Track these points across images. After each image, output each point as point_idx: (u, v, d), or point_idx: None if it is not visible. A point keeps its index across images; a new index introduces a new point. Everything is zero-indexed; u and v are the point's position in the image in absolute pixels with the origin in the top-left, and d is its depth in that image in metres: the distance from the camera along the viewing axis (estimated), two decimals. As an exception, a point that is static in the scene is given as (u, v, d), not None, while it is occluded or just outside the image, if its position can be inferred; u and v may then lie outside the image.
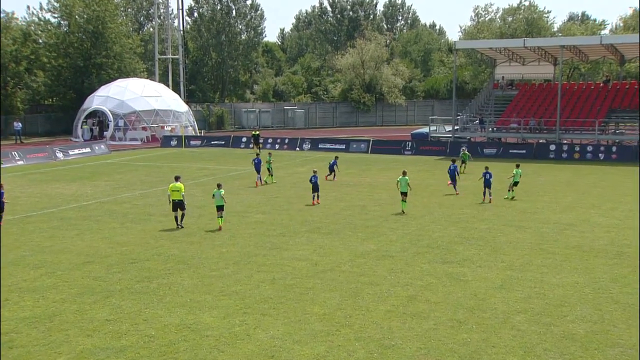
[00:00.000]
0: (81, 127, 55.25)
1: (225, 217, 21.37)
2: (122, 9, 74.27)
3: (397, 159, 42.61)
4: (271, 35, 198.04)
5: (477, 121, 49.25)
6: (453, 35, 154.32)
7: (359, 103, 75.99)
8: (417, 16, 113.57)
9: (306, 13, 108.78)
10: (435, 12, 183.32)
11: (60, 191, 29.10)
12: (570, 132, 45.18)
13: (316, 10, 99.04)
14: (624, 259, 17.12)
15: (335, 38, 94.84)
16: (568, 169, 36.68)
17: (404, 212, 23.34)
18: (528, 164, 37.60)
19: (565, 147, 42.72)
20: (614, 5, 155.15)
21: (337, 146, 48.29)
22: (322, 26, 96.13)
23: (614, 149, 42.01)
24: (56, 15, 62.10)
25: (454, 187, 28.02)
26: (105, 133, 54.85)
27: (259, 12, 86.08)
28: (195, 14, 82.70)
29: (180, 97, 62.91)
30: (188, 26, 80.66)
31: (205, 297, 14.13)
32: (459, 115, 49.45)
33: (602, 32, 78.56)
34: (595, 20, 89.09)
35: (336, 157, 33.16)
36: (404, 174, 23.85)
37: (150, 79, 63.99)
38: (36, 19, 62.35)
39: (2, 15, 57.59)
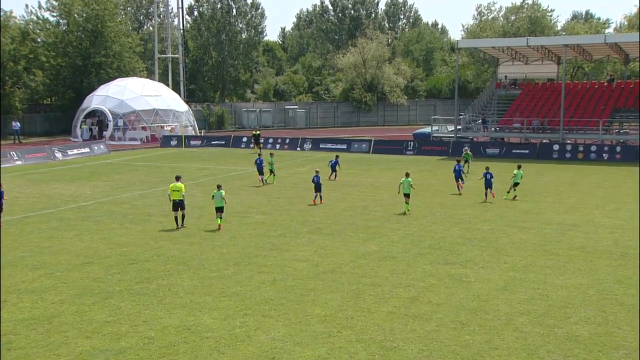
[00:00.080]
0: (80, 127, 55.11)
1: (226, 217, 21.28)
2: (121, 7, 74.03)
3: (399, 159, 42.50)
4: (272, 34, 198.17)
5: (480, 121, 49.11)
6: (455, 34, 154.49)
7: (361, 103, 75.84)
8: (419, 15, 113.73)
9: (307, 12, 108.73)
10: (438, 10, 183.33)
11: (59, 191, 29.00)
12: (574, 132, 44.99)
13: (317, 8, 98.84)
14: (628, 260, 16.99)
15: (337, 37, 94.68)
16: (571, 169, 36.52)
17: (405, 213, 23.23)
18: (531, 164, 37.49)
19: (568, 147, 42.53)
20: (618, 3, 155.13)
21: (338, 146, 48.18)
22: (324, 25, 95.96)
23: (618, 149, 41.81)
24: (55, 14, 62.02)
25: (458, 187, 27.94)
26: (104, 133, 54.70)
27: (259, 10, 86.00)
28: (195, 13, 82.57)
29: (180, 96, 62.79)
30: (188, 25, 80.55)
31: (206, 298, 14.02)
32: (461, 115, 49.31)
33: (606, 30, 78.44)
34: (599, 18, 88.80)
35: (337, 156, 33.03)
36: (407, 175, 23.72)
37: (150, 79, 63.81)
38: (35, 18, 62.23)
39: (1, 14, 57.48)
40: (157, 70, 68.50)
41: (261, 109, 73.44)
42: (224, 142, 51.60)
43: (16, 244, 18.98)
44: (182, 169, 36.13)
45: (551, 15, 76.26)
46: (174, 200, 20.77)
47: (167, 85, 64.67)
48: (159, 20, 75.24)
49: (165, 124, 56.07)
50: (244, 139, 50.98)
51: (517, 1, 77.37)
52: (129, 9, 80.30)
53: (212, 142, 51.84)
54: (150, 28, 78.88)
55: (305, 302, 13.75)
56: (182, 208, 20.92)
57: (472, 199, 26.46)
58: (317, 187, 25.53)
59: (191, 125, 58.58)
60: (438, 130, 51.29)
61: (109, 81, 58.06)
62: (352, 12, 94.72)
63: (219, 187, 21.09)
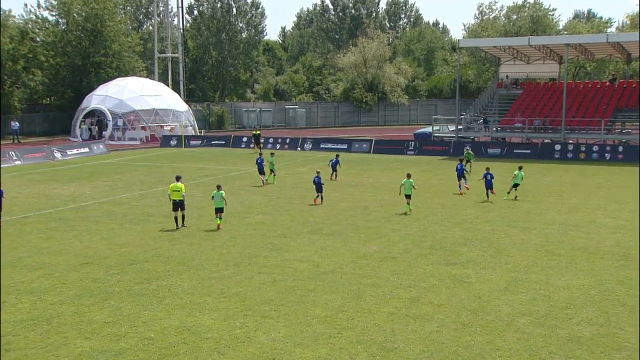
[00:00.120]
0: (79, 127, 55.03)
1: (226, 217, 21.22)
2: (121, 6, 74.05)
3: (400, 159, 42.43)
4: (272, 33, 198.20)
5: (481, 121, 49.04)
6: (457, 33, 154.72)
7: (361, 102, 75.77)
8: (420, 14, 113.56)
9: (308, 11, 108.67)
10: (439, 10, 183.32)
11: (58, 192, 28.93)
12: (576, 131, 44.92)
13: (318, 8, 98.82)
14: (630, 261, 16.91)
15: (337, 36, 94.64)
16: (573, 169, 36.43)
17: (406, 213, 23.15)
18: (533, 164, 37.42)
19: (570, 147, 42.43)
20: (620, 2, 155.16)
21: (339, 146, 48.11)
22: (324, 24, 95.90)
23: (620, 148, 41.72)
24: (54, 13, 61.96)
25: (459, 186, 27.88)
26: (104, 133, 54.64)
27: (259, 10, 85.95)
28: (195, 12, 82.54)
29: (180, 96, 62.72)
30: (188, 24, 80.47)
31: (205, 299, 13.95)
32: (462, 115, 49.24)
33: (608, 30, 78.35)
34: (601, 18, 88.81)
35: (337, 155, 32.96)
36: (409, 176, 23.60)
37: (150, 78, 63.73)
38: (34, 17, 62.15)
39: (0, 13, 57.41)
40: (157, 69, 68.43)
41: (261, 109, 73.39)
42: (224, 142, 51.54)
43: (15, 244, 18.91)
44: (182, 169, 36.06)
45: (553, 15, 76.29)
46: (174, 200, 20.70)
47: (167, 84, 64.60)
48: (159, 19, 75.15)
49: (165, 124, 55.99)
50: (244, 139, 50.92)
51: (519, 0, 77.40)
52: (128, 8, 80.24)
53: (212, 142, 51.78)
54: (150, 27, 78.81)
55: (305, 302, 13.68)
56: (182, 208, 20.85)
57: (473, 199, 26.38)
58: (318, 188, 25.45)
59: (191, 125, 58.50)
60: (439, 130, 51.16)
61: (108, 81, 57.98)
62: (353, 11, 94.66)
63: (218, 187, 21.02)
